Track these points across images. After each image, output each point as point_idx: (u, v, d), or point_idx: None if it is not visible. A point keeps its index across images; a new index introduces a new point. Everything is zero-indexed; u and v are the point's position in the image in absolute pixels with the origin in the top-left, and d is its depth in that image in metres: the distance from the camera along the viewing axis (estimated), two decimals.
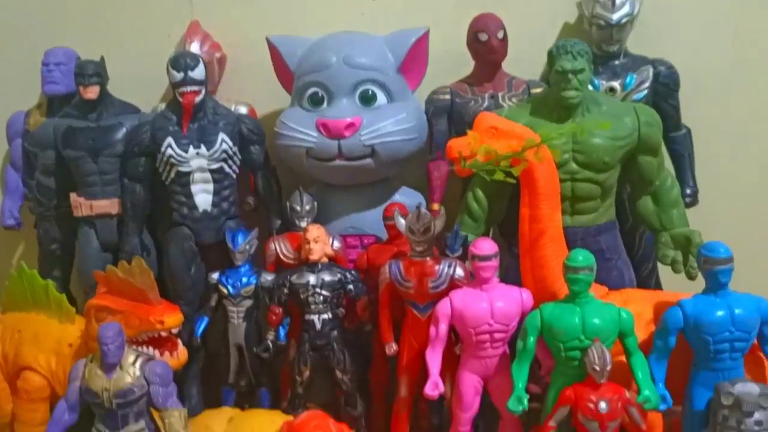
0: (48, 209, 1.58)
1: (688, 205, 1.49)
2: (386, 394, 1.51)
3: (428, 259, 1.30)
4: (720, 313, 1.08)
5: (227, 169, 1.48)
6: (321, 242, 1.38)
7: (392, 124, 1.45)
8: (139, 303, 1.21)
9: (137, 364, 1.11)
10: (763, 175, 1.68)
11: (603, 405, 1.05)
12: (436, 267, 1.29)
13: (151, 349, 1.21)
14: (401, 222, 1.32)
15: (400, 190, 1.57)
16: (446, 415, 1.39)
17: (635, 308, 1.16)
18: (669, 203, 1.34)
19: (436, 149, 1.54)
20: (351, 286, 1.38)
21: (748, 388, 1.02)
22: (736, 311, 1.08)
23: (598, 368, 1.04)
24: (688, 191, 1.54)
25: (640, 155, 1.32)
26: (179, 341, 1.26)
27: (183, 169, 1.45)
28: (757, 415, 1.01)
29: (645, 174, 1.34)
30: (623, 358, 1.13)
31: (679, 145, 1.54)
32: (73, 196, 1.53)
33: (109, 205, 1.52)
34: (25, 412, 1.34)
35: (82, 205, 1.52)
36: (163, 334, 1.20)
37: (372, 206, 1.52)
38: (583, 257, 1.09)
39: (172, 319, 1.20)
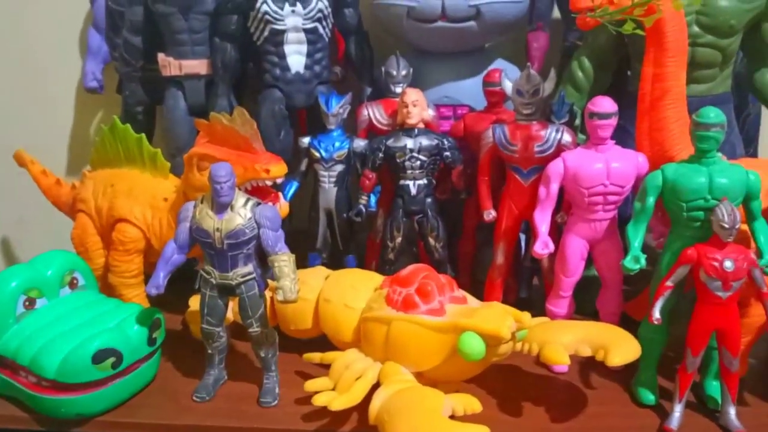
0: (135, 69, 1.55)
1: None
2: (472, 266, 1.51)
3: (535, 122, 1.26)
4: None
5: (321, 31, 1.43)
6: (419, 106, 1.34)
7: None
8: (243, 152, 1.19)
9: (248, 206, 1.09)
10: None
11: (728, 263, 1.01)
12: (543, 131, 1.25)
13: None
14: (508, 84, 1.27)
15: (496, 62, 1.51)
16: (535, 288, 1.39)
17: None
18: None
19: (537, 19, 1.48)
20: (448, 153, 1.35)
21: None
22: None
23: (727, 226, 1.00)
24: None
25: (765, 21, 1.25)
26: (281, 194, 1.24)
27: (277, 27, 1.39)
28: None
29: (766, 41, 1.27)
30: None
31: None
32: (161, 56, 1.49)
33: (198, 65, 1.48)
34: (121, 263, 1.34)
35: (171, 65, 1.48)
36: (268, 183, 1.17)
37: (468, 76, 1.47)
38: (714, 114, 1.04)
39: (278, 168, 1.17)
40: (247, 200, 1.10)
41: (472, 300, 1.10)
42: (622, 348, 1.02)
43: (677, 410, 1.07)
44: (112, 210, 1.35)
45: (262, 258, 1.13)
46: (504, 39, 1.52)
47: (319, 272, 1.29)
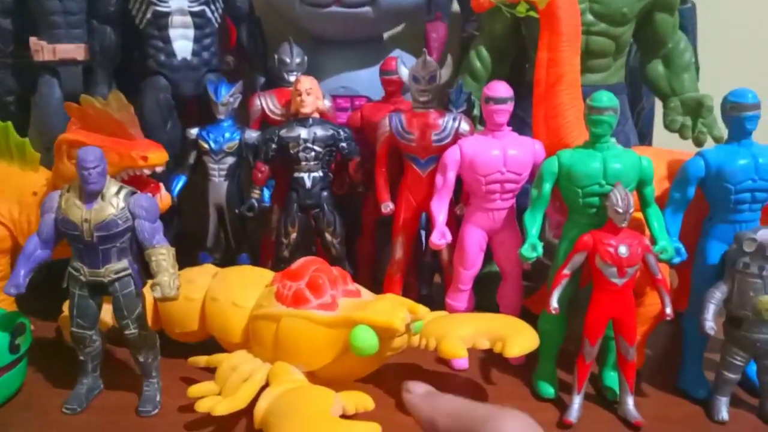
0: (4, 55, 1.41)
1: None
2: (372, 264, 1.45)
3: (432, 110, 1.22)
4: (743, 161, 1.03)
5: (209, 14, 1.34)
6: (314, 95, 1.28)
7: None
8: (119, 138, 1.09)
9: (121, 195, 1.00)
10: None
11: (623, 249, 1.00)
12: (440, 119, 1.21)
13: None
14: (404, 71, 1.23)
15: (394, 52, 1.47)
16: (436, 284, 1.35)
17: None
18: (681, 67, 1.29)
19: (435, 9, 1.44)
20: (344, 144, 1.29)
21: None
22: (760, 160, 1.03)
23: (621, 210, 0.99)
24: None
25: (656, 11, 1.26)
26: (161, 185, 1.15)
27: (161, 8, 1.30)
28: None
29: (659, 33, 1.28)
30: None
31: (684, 19, 1.48)
32: (33, 39, 1.36)
33: (74, 50, 1.36)
34: None
35: (44, 49, 1.35)
36: (146, 172, 1.08)
37: (365, 66, 1.42)
38: (607, 98, 1.03)
39: (157, 155, 1.08)
40: (120, 188, 1.01)
41: (366, 293, 1.04)
42: (519, 338, 0.99)
43: (576, 402, 1.04)
44: None
45: (141, 253, 1.04)
46: (402, 29, 1.48)
47: (206, 270, 1.21)
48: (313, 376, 1.00)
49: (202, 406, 0.96)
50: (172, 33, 1.33)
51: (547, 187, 1.06)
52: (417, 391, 0.67)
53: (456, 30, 1.52)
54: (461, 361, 1.12)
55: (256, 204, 1.32)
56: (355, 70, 1.43)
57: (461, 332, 1.01)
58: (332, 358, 0.97)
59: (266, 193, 1.36)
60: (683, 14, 1.48)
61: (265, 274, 1.15)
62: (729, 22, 1.61)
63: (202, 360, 1.09)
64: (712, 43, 1.54)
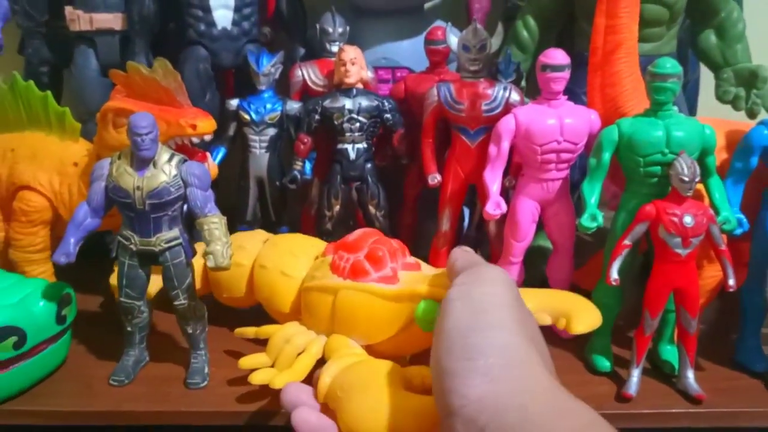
0: (39, 24, 1.39)
1: None
2: (414, 239, 1.43)
3: (482, 80, 1.19)
4: None
5: None
6: (358, 65, 1.25)
7: None
8: (166, 106, 1.06)
9: (173, 163, 0.97)
10: None
11: (688, 219, 0.97)
12: (491, 89, 1.18)
13: None
14: (453, 40, 1.20)
15: (435, 23, 1.44)
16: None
17: None
18: (734, 37, 1.26)
19: None
20: (389, 115, 1.27)
21: None
22: None
23: (687, 178, 0.96)
24: None
25: None
26: (209, 154, 1.12)
27: None
28: None
29: (713, 2, 1.25)
30: None
31: None
32: (68, 8, 1.34)
33: (111, 19, 1.33)
34: (23, 236, 1.19)
35: (80, 18, 1.32)
36: (195, 140, 1.05)
37: (407, 36, 1.40)
38: (671, 64, 1.00)
39: (206, 123, 1.05)
40: (172, 156, 0.98)
41: (425, 267, 0.99)
42: (584, 315, 0.91)
43: (635, 375, 1.02)
44: (13, 177, 1.19)
45: (189, 223, 1.02)
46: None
47: (256, 236, 1.18)
48: (370, 350, 0.96)
49: (257, 378, 0.93)
50: (212, 2, 1.30)
51: (607, 156, 1.04)
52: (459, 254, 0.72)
53: (499, 1, 1.48)
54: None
55: (298, 176, 1.29)
56: (396, 41, 1.40)
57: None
58: (394, 332, 0.92)
59: (308, 166, 1.33)
60: None
61: (317, 244, 1.11)
62: None
63: (250, 331, 1.05)
64: (762, 12, 1.50)
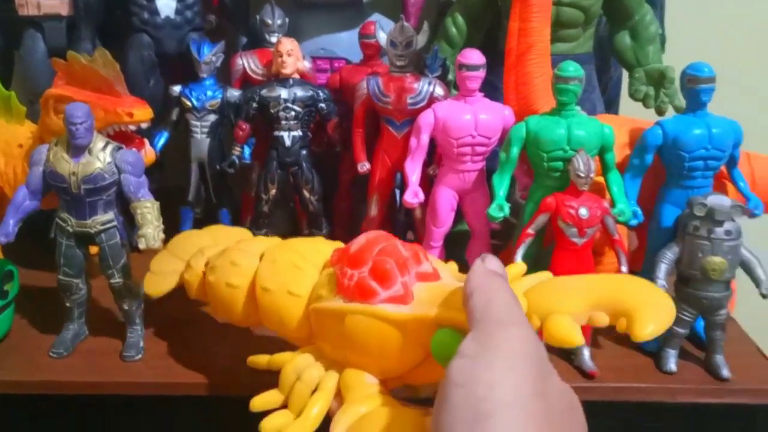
0: None
1: None
2: (348, 222, 1.51)
3: (408, 75, 1.27)
4: (698, 131, 1.10)
5: None
6: (294, 56, 1.32)
7: None
8: (105, 95, 1.13)
9: (107, 150, 1.04)
10: None
11: (583, 211, 1.07)
12: (416, 84, 1.26)
13: None
14: (382, 36, 1.27)
15: (372, 16, 1.51)
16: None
17: None
18: (646, 39, 1.35)
19: None
20: (323, 105, 1.34)
21: (719, 200, 1.06)
22: (714, 130, 1.10)
23: (582, 174, 1.05)
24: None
25: None
26: (146, 141, 1.19)
27: None
28: (726, 225, 1.05)
29: (627, 6, 1.33)
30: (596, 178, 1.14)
31: None
32: None
33: (58, 5, 1.38)
34: None
35: (28, 4, 1.37)
36: (132, 128, 1.12)
37: (345, 29, 1.47)
38: (573, 68, 1.08)
39: (142, 112, 1.12)
40: (107, 144, 1.05)
41: (445, 272, 0.82)
42: (650, 314, 0.67)
43: None
44: None
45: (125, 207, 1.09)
46: None
47: (252, 250, 0.98)
48: (391, 381, 0.82)
49: (269, 428, 0.80)
50: None
51: (515, 150, 1.12)
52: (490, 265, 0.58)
53: None
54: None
55: (237, 160, 1.37)
56: (335, 33, 1.47)
57: (571, 305, 0.72)
58: (412, 364, 0.78)
59: (246, 151, 1.40)
60: None
61: (322, 249, 0.92)
62: None
63: (263, 361, 0.92)
64: (680, 16, 1.60)
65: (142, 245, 1.03)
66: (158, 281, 1.10)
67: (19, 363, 1.10)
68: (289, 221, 1.48)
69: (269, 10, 1.41)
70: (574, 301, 0.73)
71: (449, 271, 0.81)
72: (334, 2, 1.46)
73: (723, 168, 1.17)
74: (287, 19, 1.42)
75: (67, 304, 1.12)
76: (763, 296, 1.07)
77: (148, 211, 1.05)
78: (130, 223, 1.11)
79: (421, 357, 0.75)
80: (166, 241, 1.10)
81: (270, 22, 1.41)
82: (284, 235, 1.09)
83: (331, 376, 0.82)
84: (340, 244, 0.88)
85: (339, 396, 0.80)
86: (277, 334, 0.95)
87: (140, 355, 1.11)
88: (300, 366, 0.84)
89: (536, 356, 0.47)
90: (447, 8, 1.46)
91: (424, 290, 0.75)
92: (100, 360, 1.11)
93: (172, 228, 1.25)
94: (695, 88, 1.10)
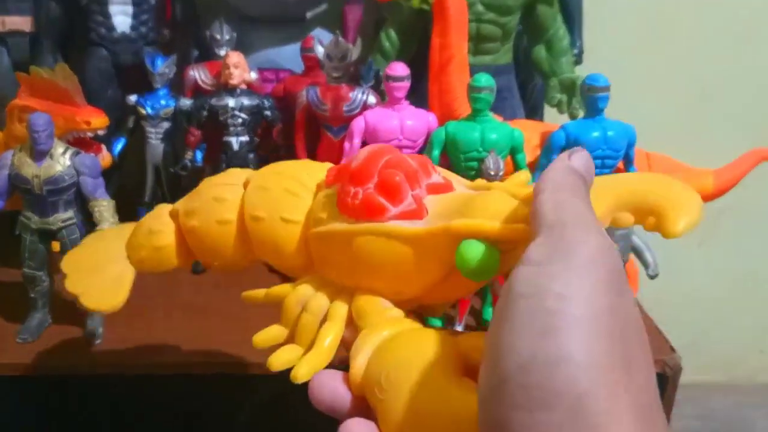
0: None
1: (574, 63, 1.65)
2: None
3: (343, 85, 1.40)
4: (595, 133, 1.25)
5: None
6: (241, 68, 1.44)
7: None
8: (65, 105, 1.24)
9: (67, 155, 1.16)
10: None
11: None
12: (351, 93, 1.40)
13: None
14: (320, 50, 1.41)
15: (315, 31, 1.64)
16: None
17: (524, 134, 1.32)
18: (560, 51, 1.51)
19: None
20: (268, 112, 1.47)
21: None
22: (609, 133, 1.25)
23: (492, 172, 1.20)
24: (575, 51, 1.70)
25: (538, 4, 1.47)
26: (103, 146, 1.30)
27: None
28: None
29: (541, 22, 1.49)
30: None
31: (571, 6, 1.69)
32: None
33: (21, 22, 1.50)
34: None
35: None
36: (89, 134, 1.24)
37: (289, 42, 1.60)
38: (485, 79, 1.22)
39: (99, 120, 1.24)
40: (66, 149, 1.17)
41: (458, 182, 0.74)
42: (682, 209, 0.58)
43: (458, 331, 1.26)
44: None
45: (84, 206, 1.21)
46: (323, 10, 1.65)
47: (234, 179, 0.85)
48: (407, 303, 0.73)
49: (277, 363, 0.71)
50: (112, 9, 1.48)
51: (436, 152, 1.26)
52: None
53: (372, 11, 1.69)
54: None
55: (189, 164, 1.49)
56: (280, 47, 1.60)
57: (596, 208, 0.61)
58: (432, 282, 0.69)
59: (198, 155, 1.52)
60: (570, 3, 1.69)
61: (314, 169, 0.81)
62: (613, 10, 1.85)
63: (259, 294, 0.81)
64: (597, 30, 1.76)
65: None
66: (106, 290, 0.94)
67: None
68: None
69: (218, 26, 1.53)
70: (594, 204, 0.61)
71: (462, 182, 0.75)
72: (279, 19, 1.59)
73: (621, 165, 1.32)
74: (235, 34, 1.55)
75: (32, 295, 1.23)
76: (651, 277, 1.22)
77: (105, 209, 1.17)
78: (88, 220, 1.22)
79: (441, 274, 0.67)
80: None
81: (219, 37, 1.53)
82: None
83: (340, 304, 0.74)
84: (329, 165, 0.80)
85: (350, 325, 0.73)
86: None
87: (99, 341, 1.23)
88: (303, 296, 0.75)
89: (614, 269, 0.40)
90: (383, 23, 1.60)
91: (437, 203, 0.68)
92: (63, 345, 1.22)
93: None
94: (593, 96, 1.25)
